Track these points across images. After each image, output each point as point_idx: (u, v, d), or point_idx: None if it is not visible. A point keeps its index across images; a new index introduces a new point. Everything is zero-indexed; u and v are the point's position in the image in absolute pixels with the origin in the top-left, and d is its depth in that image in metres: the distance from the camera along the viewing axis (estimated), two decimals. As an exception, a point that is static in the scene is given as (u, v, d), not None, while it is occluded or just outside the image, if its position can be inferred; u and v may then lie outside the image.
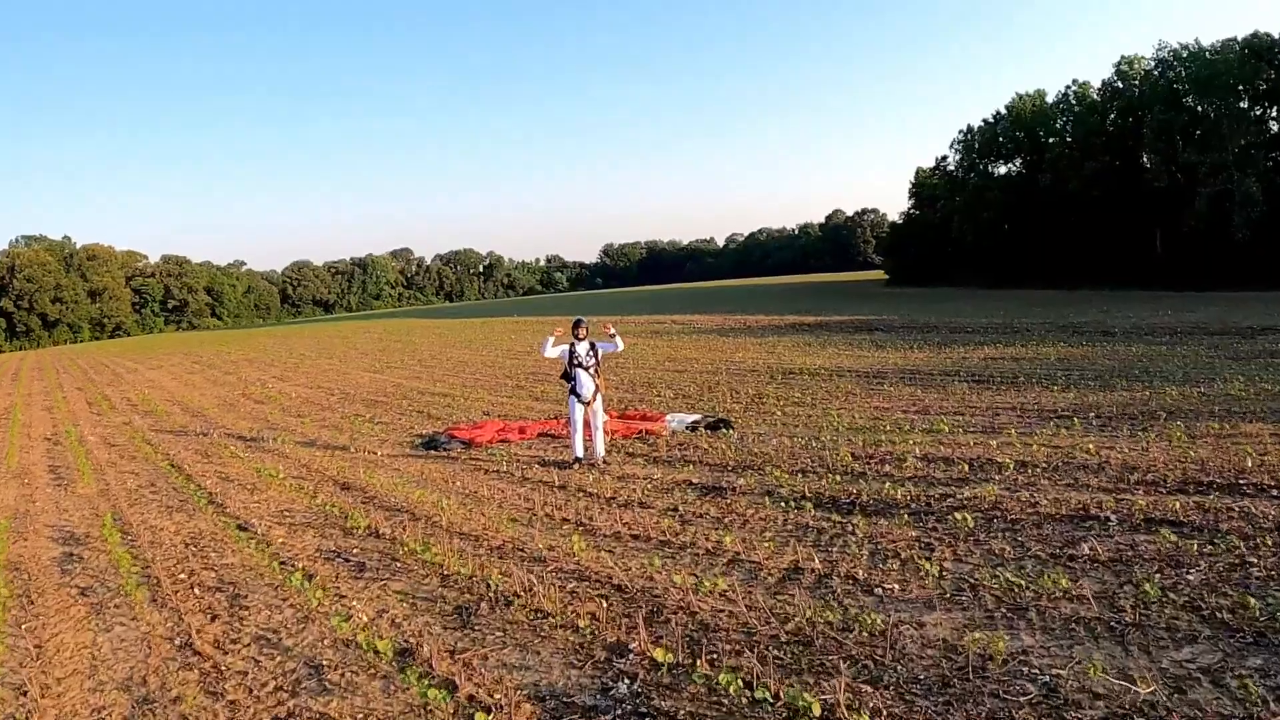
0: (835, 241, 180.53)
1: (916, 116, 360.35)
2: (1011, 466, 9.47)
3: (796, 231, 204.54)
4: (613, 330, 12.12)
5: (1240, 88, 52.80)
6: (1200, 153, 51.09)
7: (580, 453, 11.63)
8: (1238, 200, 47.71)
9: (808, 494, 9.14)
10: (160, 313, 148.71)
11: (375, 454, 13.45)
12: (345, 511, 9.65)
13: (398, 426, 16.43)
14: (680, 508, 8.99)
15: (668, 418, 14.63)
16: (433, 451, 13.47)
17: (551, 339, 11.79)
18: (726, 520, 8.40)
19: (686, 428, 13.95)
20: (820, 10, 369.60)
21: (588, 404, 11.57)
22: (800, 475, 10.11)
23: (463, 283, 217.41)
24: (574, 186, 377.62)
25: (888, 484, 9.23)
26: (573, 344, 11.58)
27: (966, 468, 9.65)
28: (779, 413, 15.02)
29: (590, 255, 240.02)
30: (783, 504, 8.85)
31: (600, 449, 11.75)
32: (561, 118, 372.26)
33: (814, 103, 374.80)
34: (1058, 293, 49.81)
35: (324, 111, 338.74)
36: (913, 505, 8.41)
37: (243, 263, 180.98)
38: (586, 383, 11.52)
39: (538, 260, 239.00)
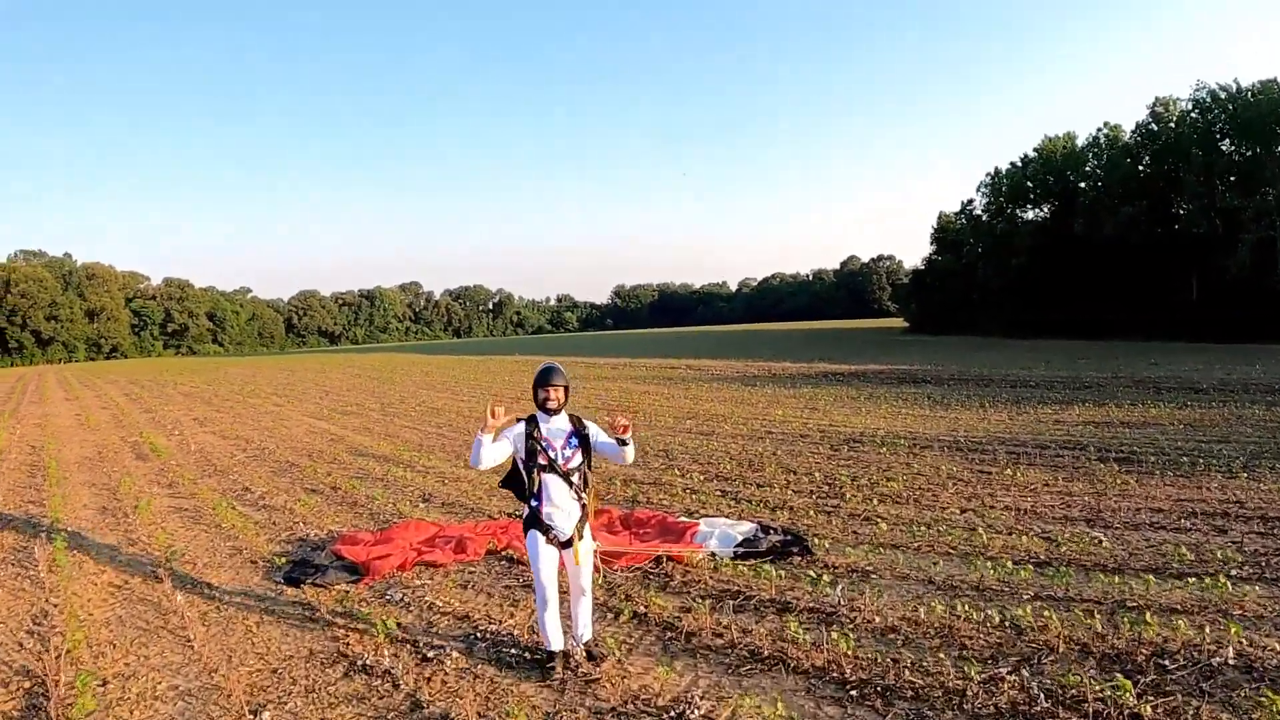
0: (850, 288, 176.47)
1: (938, 162, 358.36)
2: None
3: (810, 277, 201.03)
4: (626, 427, 5.68)
5: (1281, 130, 50.54)
6: (1242, 197, 48.10)
7: (557, 644, 5.63)
8: None
9: None
10: (159, 336, 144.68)
11: (193, 592, 7.67)
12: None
13: (283, 516, 10.69)
14: None
15: (701, 527, 8.85)
16: (291, 589, 7.67)
17: (486, 439, 5.34)
18: None
19: (733, 552, 8.20)
20: (836, 60, 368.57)
21: (565, 547, 5.60)
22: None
23: (471, 319, 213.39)
24: (587, 227, 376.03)
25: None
26: (531, 420, 5.58)
27: None
28: (880, 522, 9.27)
29: (601, 296, 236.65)
30: None
31: (585, 626, 5.85)
32: (576, 158, 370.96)
33: (829, 148, 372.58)
34: (1094, 343, 46.92)
35: (337, 142, 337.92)
36: None
37: (248, 290, 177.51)
38: (563, 503, 5.54)
39: (548, 299, 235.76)
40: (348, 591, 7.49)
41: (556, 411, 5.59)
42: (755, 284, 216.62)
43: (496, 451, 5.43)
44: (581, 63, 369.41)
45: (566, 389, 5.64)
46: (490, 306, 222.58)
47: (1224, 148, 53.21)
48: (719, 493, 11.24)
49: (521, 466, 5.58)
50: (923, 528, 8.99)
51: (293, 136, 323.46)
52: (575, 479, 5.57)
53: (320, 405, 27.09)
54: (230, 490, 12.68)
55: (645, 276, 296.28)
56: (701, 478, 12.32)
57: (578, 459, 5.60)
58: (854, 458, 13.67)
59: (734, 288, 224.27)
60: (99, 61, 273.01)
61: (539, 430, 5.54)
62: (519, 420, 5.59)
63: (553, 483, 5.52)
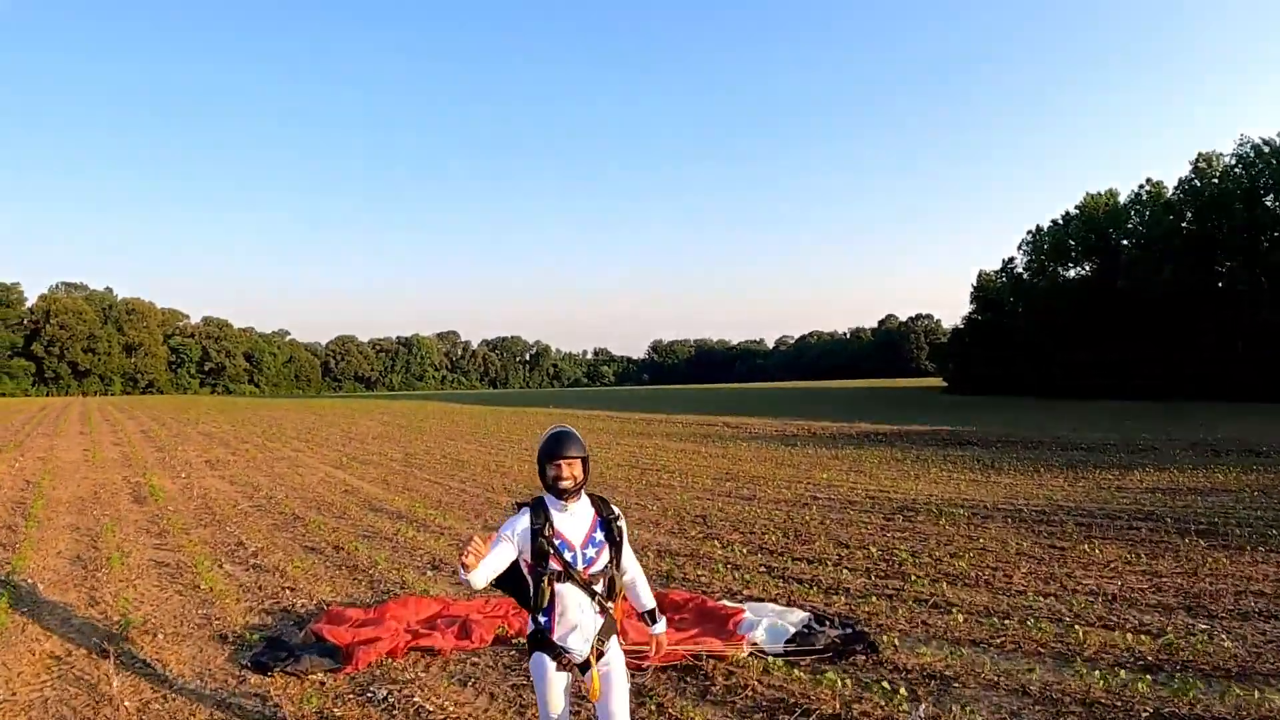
0: (887, 346, 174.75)
1: (976, 221, 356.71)
2: None
3: (848, 335, 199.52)
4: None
5: (1326, 185, 50.61)
6: None
7: None
8: None
9: None
10: (196, 374, 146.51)
11: (141, 673, 6.50)
12: None
13: (271, 579, 9.54)
14: None
15: (747, 615, 7.50)
16: (256, 676, 6.45)
17: (471, 569, 3.65)
18: None
19: (784, 649, 6.86)
20: (875, 118, 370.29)
21: (584, 666, 3.92)
22: None
23: (508, 370, 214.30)
24: (625, 282, 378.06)
25: None
26: (538, 507, 3.91)
27: None
28: (954, 611, 7.86)
29: (638, 351, 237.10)
30: None
31: None
32: (615, 214, 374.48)
33: (869, 206, 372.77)
34: (1138, 403, 46.22)
35: (379, 192, 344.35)
36: None
37: (286, 332, 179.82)
38: (582, 620, 3.90)
39: (584, 352, 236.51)
40: (323, 683, 6.25)
41: (574, 494, 3.92)
42: (793, 341, 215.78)
43: (495, 562, 3.80)
44: (623, 116, 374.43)
45: (585, 461, 3.96)
46: (527, 358, 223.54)
47: (1269, 203, 52.65)
48: (763, 569, 9.88)
49: (527, 572, 3.94)
50: (1002, 618, 7.67)
51: (334, 183, 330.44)
52: (599, 587, 3.94)
53: (341, 453, 26.11)
54: (222, 544, 11.58)
55: (683, 332, 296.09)
56: (744, 550, 10.96)
57: (603, 560, 3.95)
58: (910, 528, 12.35)
59: (771, 344, 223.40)
60: (131, 99, 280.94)
61: (550, 524, 3.87)
62: (521, 507, 3.97)
63: (569, 594, 3.87)
